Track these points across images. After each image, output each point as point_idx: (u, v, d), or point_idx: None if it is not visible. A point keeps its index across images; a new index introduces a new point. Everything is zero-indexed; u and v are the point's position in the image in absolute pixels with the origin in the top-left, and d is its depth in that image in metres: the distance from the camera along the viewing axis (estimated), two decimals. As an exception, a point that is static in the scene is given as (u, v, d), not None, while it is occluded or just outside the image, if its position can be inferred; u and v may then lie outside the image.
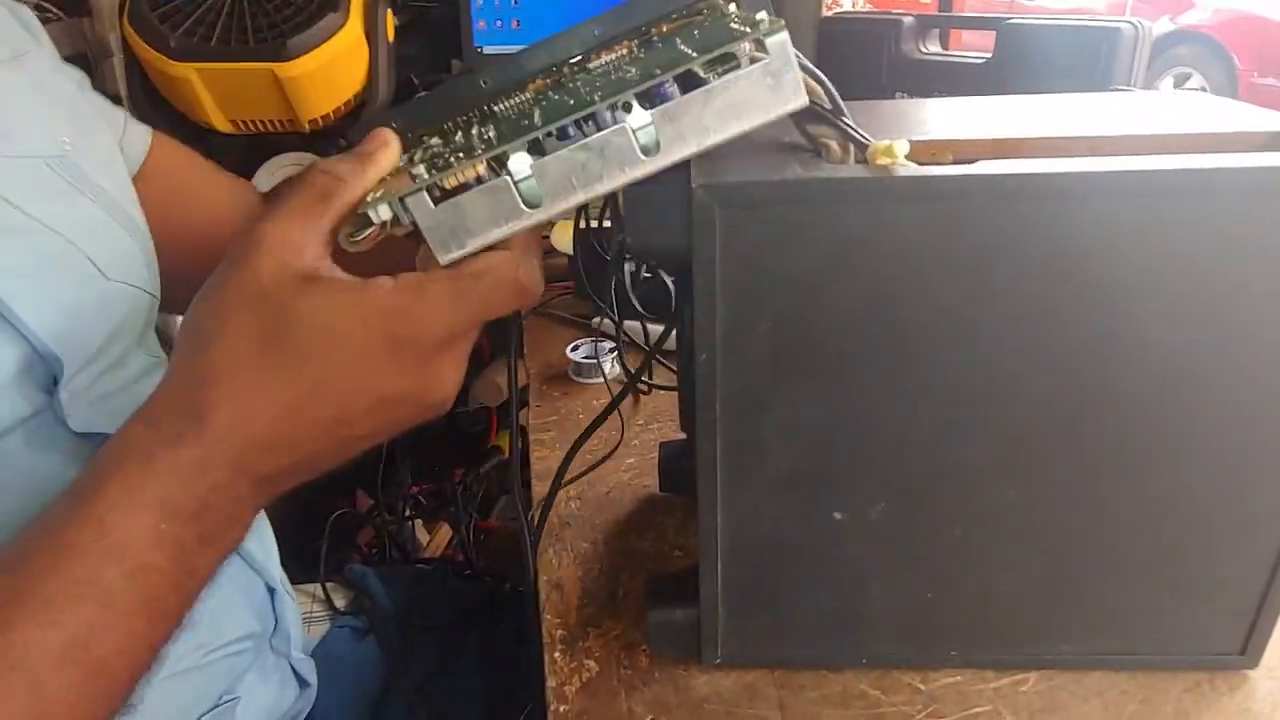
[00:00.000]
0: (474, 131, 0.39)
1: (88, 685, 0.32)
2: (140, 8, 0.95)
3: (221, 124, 1.03)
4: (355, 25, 0.97)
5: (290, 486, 0.37)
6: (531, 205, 0.38)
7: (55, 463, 0.41)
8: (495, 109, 0.40)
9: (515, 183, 0.38)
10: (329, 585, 0.74)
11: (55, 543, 0.33)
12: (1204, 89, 4.66)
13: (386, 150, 0.38)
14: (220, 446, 0.34)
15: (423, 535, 1.32)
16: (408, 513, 1.22)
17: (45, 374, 0.42)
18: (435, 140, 0.40)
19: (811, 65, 0.38)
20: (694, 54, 0.36)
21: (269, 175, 1.10)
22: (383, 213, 0.38)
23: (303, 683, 0.59)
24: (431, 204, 0.38)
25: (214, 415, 0.34)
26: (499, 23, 1.10)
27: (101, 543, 0.33)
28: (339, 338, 0.34)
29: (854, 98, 0.41)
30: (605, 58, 0.40)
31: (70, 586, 0.32)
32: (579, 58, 0.41)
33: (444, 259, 0.39)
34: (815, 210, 0.37)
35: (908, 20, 1.06)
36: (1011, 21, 0.95)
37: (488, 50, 1.11)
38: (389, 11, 1.02)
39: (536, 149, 0.38)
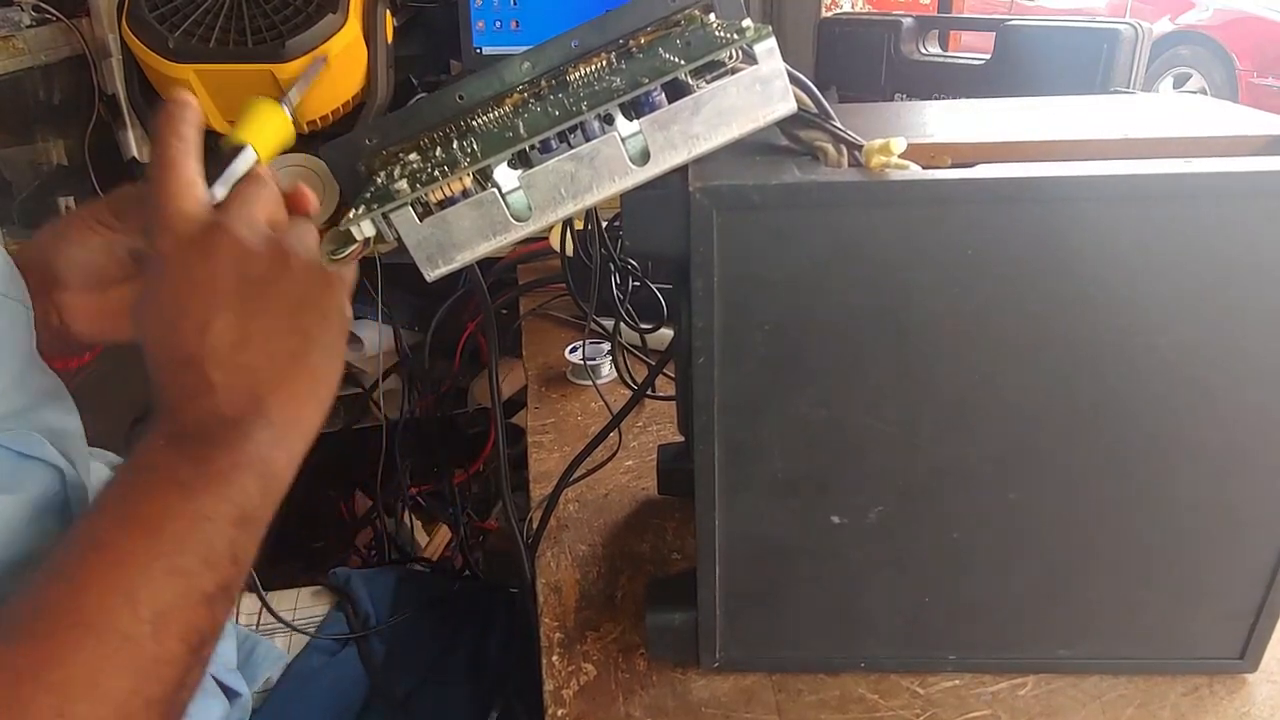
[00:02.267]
0: (455, 145, 0.39)
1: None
2: (139, 9, 0.95)
3: (220, 125, 1.02)
4: (354, 26, 0.97)
5: (298, 414, 0.39)
6: (519, 218, 0.38)
7: None
8: (474, 123, 0.40)
9: (503, 195, 0.37)
10: (313, 590, 0.72)
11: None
12: (1204, 90, 4.66)
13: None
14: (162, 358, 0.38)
15: (421, 536, 1.32)
16: (406, 514, 1.22)
17: None
18: (413, 156, 0.40)
19: (796, 72, 0.38)
20: (681, 61, 0.36)
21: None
22: (366, 229, 0.38)
23: (231, 693, 0.57)
24: (417, 219, 0.37)
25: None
26: (498, 24, 1.10)
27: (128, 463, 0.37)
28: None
29: (853, 99, 0.41)
30: (584, 70, 0.39)
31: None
32: (556, 71, 0.40)
33: (431, 275, 0.38)
34: (813, 214, 0.37)
35: (907, 21, 1.05)
36: (1011, 23, 0.95)
37: (487, 51, 1.10)
38: (388, 12, 1.02)
39: (520, 162, 0.37)
